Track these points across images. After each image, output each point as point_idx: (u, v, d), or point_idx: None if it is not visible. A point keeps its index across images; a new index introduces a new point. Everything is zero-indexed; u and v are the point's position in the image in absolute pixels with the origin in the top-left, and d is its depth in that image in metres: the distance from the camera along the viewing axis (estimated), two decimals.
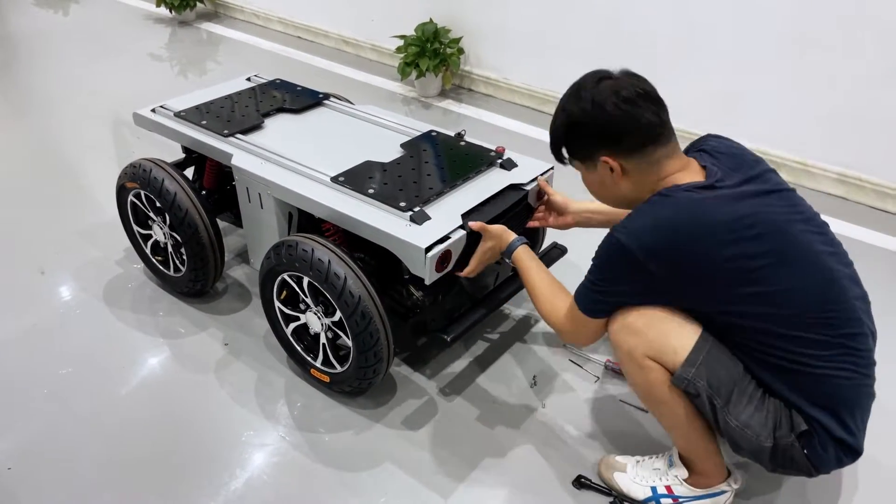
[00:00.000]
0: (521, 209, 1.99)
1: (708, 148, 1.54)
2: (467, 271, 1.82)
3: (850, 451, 1.45)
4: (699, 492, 1.66)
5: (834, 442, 1.43)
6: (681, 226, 1.38)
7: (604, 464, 1.79)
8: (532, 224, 2.04)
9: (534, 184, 2.01)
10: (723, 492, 1.65)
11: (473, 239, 1.81)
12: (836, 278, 1.42)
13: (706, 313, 1.46)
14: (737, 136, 3.19)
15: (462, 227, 1.80)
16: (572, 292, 1.60)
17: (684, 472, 1.66)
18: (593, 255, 1.50)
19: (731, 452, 1.59)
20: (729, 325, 1.44)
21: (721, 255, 1.36)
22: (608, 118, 1.44)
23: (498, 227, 1.80)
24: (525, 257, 1.75)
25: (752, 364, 1.46)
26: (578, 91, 1.49)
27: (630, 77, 1.48)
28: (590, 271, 1.52)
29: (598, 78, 1.49)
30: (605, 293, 1.50)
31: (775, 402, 1.46)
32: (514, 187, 1.98)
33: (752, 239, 1.35)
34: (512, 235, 1.80)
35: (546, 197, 2.02)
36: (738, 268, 1.36)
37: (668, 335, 1.46)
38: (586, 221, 1.99)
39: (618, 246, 1.41)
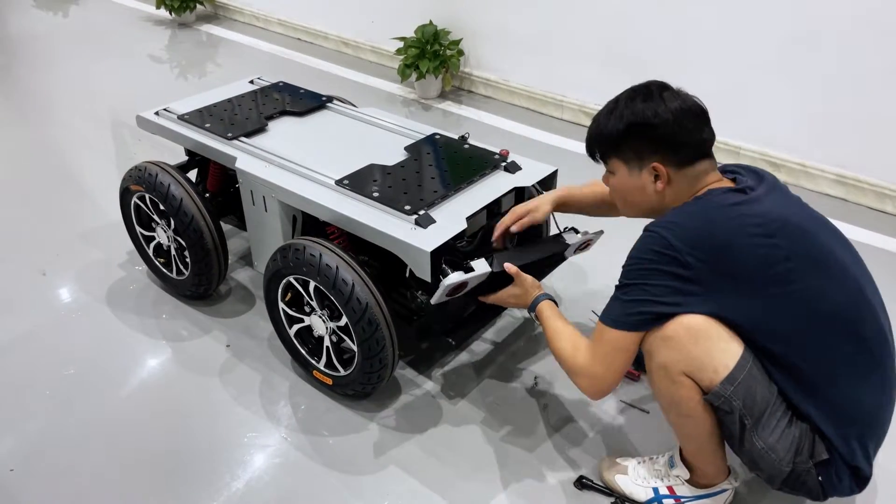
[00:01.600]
0: (553, 256, 1.96)
1: (729, 168, 1.58)
2: (484, 299, 1.82)
3: (862, 480, 1.46)
4: (701, 491, 1.67)
5: (850, 470, 1.44)
6: (717, 222, 1.40)
7: (605, 465, 1.80)
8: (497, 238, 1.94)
9: (578, 238, 1.95)
10: (724, 490, 1.67)
11: (495, 277, 1.78)
12: (864, 290, 1.43)
13: (741, 322, 1.43)
14: (736, 136, 3.25)
15: (489, 262, 1.75)
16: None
17: (686, 473, 1.67)
18: (624, 262, 1.47)
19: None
20: (764, 332, 1.42)
21: (755, 250, 1.37)
22: (675, 127, 1.45)
23: (530, 280, 1.77)
24: (548, 309, 1.70)
25: (786, 380, 1.44)
26: (648, 94, 1.49)
27: (689, 95, 1.51)
28: (619, 282, 1.48)
29: (663, 87, 1.51)
30: (638, 295, 1.43)
31: (801, 426, 1.45)
32: (558, 242, 1.94)
33: (784, 238, 1.38)
34: (540, 291, 1.76)
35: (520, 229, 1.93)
36: (772, 264, 1.37)
37: (712, 353, 1.41)
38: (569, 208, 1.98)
39: (657, 238, 1.40)
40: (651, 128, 1.47)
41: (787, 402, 1.46)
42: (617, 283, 1.49)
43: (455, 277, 1.68)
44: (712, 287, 1.40)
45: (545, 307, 1.71)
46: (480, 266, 1.73)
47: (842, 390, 1.42)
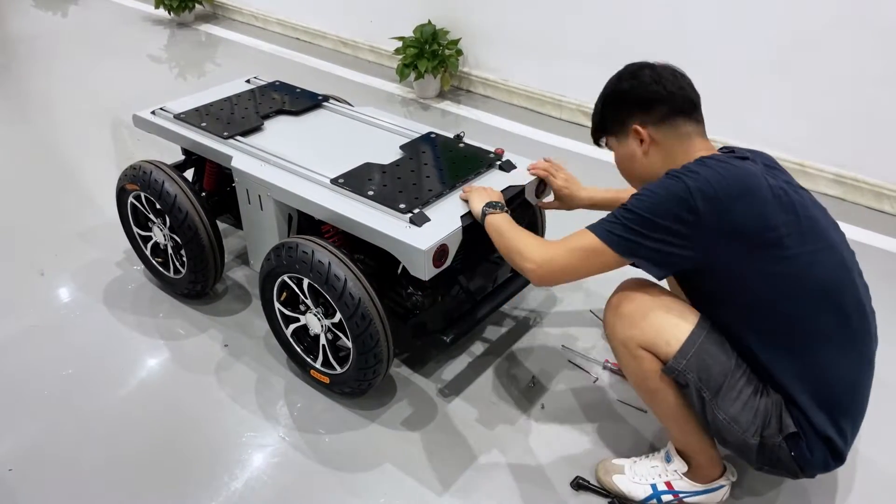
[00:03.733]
0: (517, 206, 1.99)
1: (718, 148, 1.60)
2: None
3: (837, 455, 1.46)
4: (698, 486, 1.67)
5: (822, 441, 1.44)
6: (732, 178, 1.41)
7: (602, 468, 1.80)
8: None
9: (531, 179, 2.01)
10: (721, 486, 1.67)
11: (469, 234, 1.82)
12: (850, 268, 1.47)
13: (726, 278, 1.44)
14: (734, 136, 3.25)
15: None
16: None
17: (683, 466, 1.67)
18: (637, 192, 1.48)
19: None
20: (746, 292, 1.44)
21: (764, 205, 1.40)
22: (641, 86, 1.54)
23: (479, 188, 1.86)
24: (498, 219, 1.71)
25: (760, 343, 1.46)
26: (620, 71, 1.61)
27: (665, 64, 1.59)
28: (626, 209, 1.46)
29: (641, 64, 1.60)
30: (638, 231, 1.44)
31: (766, 400, 1.47)
32: (512, 186, 1.99)
33: (784, 203, 1.41)
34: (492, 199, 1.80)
35: (548, 188, 2.05)
36: (773, 227, 1.40)
37: (663, 326, 1.48)
38: (594, 207, 2.01)
39: (676, 181, 1.42)
40: (620, 94, 1.58)
41: (759, 368, 1.48)
42: (624, 206, 1.48)
43: (432, 243, 1.72)
44: (709, 242, 1.41)
45: (493, 219, 1.72)
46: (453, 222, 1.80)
47: (816, 359, 1.43)
